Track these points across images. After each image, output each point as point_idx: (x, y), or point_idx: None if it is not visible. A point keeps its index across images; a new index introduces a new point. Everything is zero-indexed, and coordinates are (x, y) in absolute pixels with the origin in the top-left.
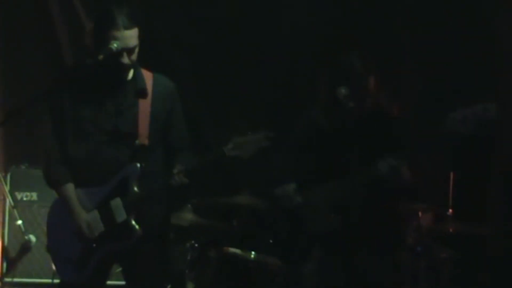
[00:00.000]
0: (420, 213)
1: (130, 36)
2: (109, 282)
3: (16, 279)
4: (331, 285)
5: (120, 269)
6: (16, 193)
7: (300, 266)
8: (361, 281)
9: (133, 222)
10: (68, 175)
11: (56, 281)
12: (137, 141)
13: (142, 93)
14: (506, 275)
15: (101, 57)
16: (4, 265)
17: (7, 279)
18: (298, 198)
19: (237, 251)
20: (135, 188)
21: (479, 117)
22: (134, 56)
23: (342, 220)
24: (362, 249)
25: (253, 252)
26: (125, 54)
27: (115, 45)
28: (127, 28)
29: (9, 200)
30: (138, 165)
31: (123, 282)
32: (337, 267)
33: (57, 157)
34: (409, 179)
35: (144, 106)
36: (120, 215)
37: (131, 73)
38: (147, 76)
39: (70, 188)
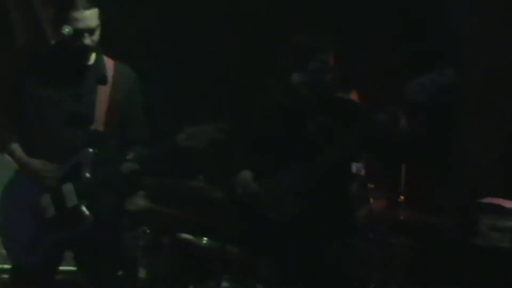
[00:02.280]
0: (372, 200)
1: (90, 17)
2: (61, 268)
3: None
4: (286, 273)
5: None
6: None
7: (257, 254)
8: (316, 268)
9: (84, 208)
10: (16, 137)
11: (7, 266)
12: (93, 127)
13: (102, 80)
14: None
15: (61, 39)
16: None
17: None
18: (255, 186)
19: (190, 237)
20: (87, 174)
21: (436, 83)
22: (95, 37)
23: (300, 207)
24: (316, 236)
25: (205, 238)
26: (86, 35)
27: (75, 26)
28: (86, 8)
29: None
30: (91, 150)
31: (75, 268)
32: (293, 255)
33: (6, 122)
34: (407, 129)
35: (103, 93)
36: (71, 200)
37: (92, 58)
38: (109, 64)
39: (18, 148)
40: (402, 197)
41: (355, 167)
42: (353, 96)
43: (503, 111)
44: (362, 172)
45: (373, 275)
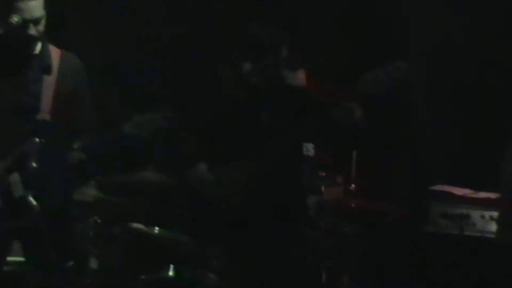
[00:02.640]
0: (323, 188)
1: (35, 7)
2: (9, 259)
3: None
4: (237, 262)
5: None
6: None
7: (208, 244)
8: (267, 257)
9: (31, 198)
10: None
11: None
12: (39, 117)
13: (48, 69)
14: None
15: (6, 28)
16: None
17: None
18: (211, 177)
19: (141, 227)
20: (34, 164)
21: (391, 76)
22: (40, 28)
23: (250, 196)
24: (267, 225)
25: (157, 228)
26: (31, 26)
27: (18, 17)
28: None
29: None
30: (38, 140)
31: (23, 259)
32: (244, 244)
33: None
34: (361, 122)
35: (49, 82)
36: (18, 190)
37: (38, 47)
38: (55, 53)
39: None
40: (353, 185)
41: (304, 147)
42: (301, 79)
43: (450, 100)
44: (312, 153)
45: (324, 263)
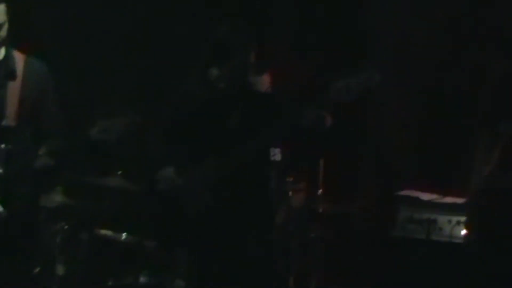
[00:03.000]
0: (290, 193)
1: None
2: None
3: None
4: (204, 267)
5: None
6: None
7: (175, 249)
8: (234, 262)
9: None
10: None
11: None
12: (4, 122)
13: (12, 75)
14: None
15: None
16: None
17: None
18: (178, 180)
19: (108, 232)
20: None
21: (363, 85)
22: (2, 33)
23: (217, 200)
24: (234, 228)
25: (124, 234)
26: None
27: None
28: None
29: None
30: (3, 146)
31: None
32: (211, 248)
33: None
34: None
35: (13, 88)
36: None
37: (2, 53)
38: (19, 58)
39: None
40: (321, 190)
41: (272, 151)
42: (266, 80)
43: (415, 103)
44: (279, 158)
45: (292, 267)
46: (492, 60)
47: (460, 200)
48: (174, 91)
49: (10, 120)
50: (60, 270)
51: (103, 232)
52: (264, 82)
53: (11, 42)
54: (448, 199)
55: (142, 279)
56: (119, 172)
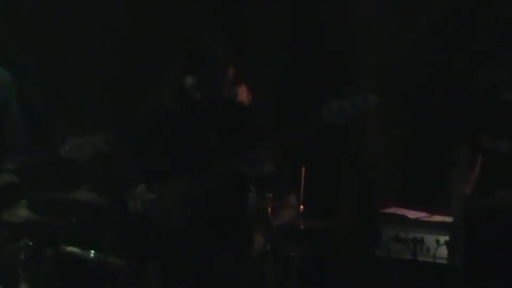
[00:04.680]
0: (270, 210)
1: None
2: None
3: None
4: (176, 286)
5: None
6: None
7: (145, 267)
8: (208, 281)
9: None
10: None
11: None
12: None
13: None
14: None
15: None
16: None
17: None
18: (149, 196)
19: (75, 250)
20: None
21: (358, 107)
22: None
23: (193, 216)
24: (210, 247)
25: (92, 251)
26: None
27: None
28: None
29: None
30: None
31: None
32: (183, 266)
33: None
34: (270, 172)
35: None
36: None
37: None
38: None
39: None
40: (301, 207)
41: None
42: (243, 93)
43: (401, 122)
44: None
45: (270, 287)
46: (473, 75)
47: (449, 219)
48: (148, 102)
49: None
50: None
51: (70, 249)
52: (240, 94)
53: None
54: (436, 218)
55: None
56: (88, 186)
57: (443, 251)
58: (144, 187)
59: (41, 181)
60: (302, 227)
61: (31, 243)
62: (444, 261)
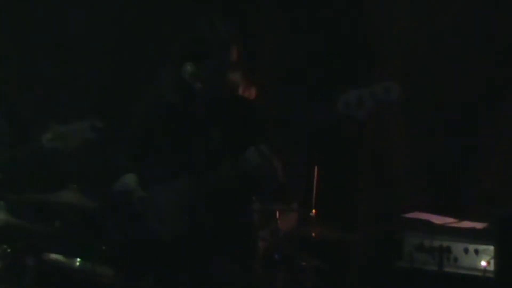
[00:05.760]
0: (278, 215)
1: None
2: None
3: None
4: None
5: None
6: None
7: (137, 278)
8: None
9: None
10: None
11: None
12: None
13: None
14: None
15: None
16: None
17: None
18: (141, 192)
19: (60, 258)
20: None
21: (379, 98)
22: None
23: (192, 223)
24: (212, 257)
25: (78, 260)
26: None
27: None
28: None
29: None
30: None
31: None
32: (181, 279)
33: None
34: (280, 174)
35: None
36: None
37: None
38: None
39: None
40: (313, 212)
41: None
42: (252, 94)
43: (425, 115)
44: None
45: None
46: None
47: (479, 225)
48: (142, 91)
49: None
50: None
51: (53, 257)
52: (247, 86)
53: None
54: (466, 224)
55: None
56: (74, 186)
57: (473, 261)
58: (135, 180)
59: (21, 180)
60: (314, 235)
61: (9, 250)
62: (474, 273)
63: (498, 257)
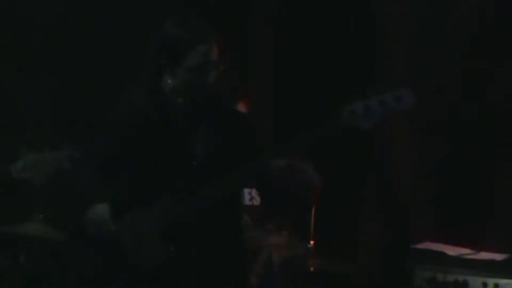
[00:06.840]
0: (271, 244)
1: None
2: None
3: None
4: None
5: None
6: None
7: None
8: None
9: None
10: None
11: None
12: None
13: None
14: None
15: None
16: None
17: None
18: (113, 225)
19: None
20: None
21: (389, 107)
22: None
23: (176, 252)
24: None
25: None
26: None
27: None
28: None
29: None
30: None
31: None
32: None
33: None
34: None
35: None
36: None
37: None
38: None
39: None
40: (311, 242)
41: (247, 195)
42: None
43: (439, 131)
44: (258, 202)
45: None
46: None
47: (499, 257)
48: (115, 108)
49: None
50: None
51: None
52: (233, 93)
53: None
54: (484, 255)
55: None
56: (40, 217)
57: None
58: (109, 211)
59: None
60: (312, 268)
61: None
62: None
63: None
